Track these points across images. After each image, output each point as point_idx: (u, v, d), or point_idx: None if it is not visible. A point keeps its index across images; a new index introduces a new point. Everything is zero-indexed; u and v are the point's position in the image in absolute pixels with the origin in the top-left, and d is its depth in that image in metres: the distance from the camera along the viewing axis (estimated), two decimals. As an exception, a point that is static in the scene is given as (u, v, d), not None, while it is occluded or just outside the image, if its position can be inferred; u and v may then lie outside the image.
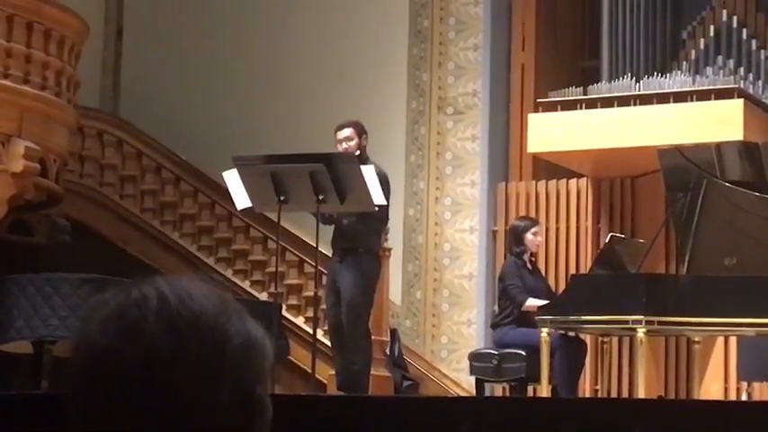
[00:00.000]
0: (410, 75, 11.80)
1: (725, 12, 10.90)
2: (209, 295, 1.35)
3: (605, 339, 8.90)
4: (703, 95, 10.13)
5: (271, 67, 12.16)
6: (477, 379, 8.89)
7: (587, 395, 10.22)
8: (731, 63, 10.66)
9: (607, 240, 8.71)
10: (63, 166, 10.10)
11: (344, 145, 7.96)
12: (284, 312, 10.05)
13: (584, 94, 10.64)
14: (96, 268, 8.34)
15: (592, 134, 10.37)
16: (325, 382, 9.31)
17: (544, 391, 7.96)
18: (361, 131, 8.01)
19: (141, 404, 1.29)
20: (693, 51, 10.90)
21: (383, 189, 7.59)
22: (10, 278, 8.22)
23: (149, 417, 1.29)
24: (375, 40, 11.88)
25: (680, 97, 10.21)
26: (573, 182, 11.34)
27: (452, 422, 4.88)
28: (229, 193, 7.97)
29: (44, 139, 9.40)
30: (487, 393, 9.39)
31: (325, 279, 8.52)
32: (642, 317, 7.35)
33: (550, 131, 10.53)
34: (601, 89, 10.65)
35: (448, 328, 11.43)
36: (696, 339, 8.72)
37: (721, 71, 10.54)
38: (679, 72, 10.59)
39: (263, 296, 10.89)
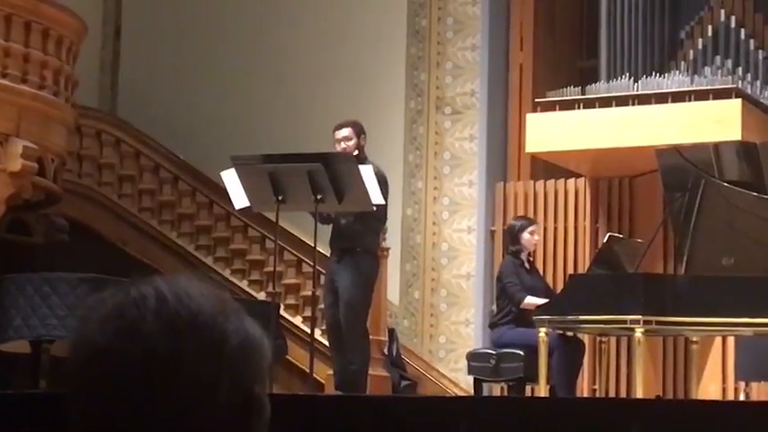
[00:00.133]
0: (408, 74, 11.80)
1: (723, 12, 10.91)
2: (207, 295, 1.36)
3: (603, 339, 8.90)
4: (701, 95, 10.14)
5: (269, 67, 12.15)
6: (475, 379, 8.89)
7: (585, 395, 10.23)
8: (729, 63, 10.67)
9: (605, 240, 8.71)
10: (61, 165, 10.09)
11: (343, 145, 7.96)
12: (282, 312, 10.05)
13: (583, 93, 10.64)
14: (94, 268, 8.34)
15: (590, 134, 10.37)
16: (323, 381, 9.31)
17: (542, 390, 7.96)
18: (359, 131, 8.01)
19: (140, 403, 1.29)
20: (691, 51, 10.90)
21: (381, 189, 7.59)
22: (8, 277, 8.22)
23: (148, 416, 1.29)
24: (373, 39, 11.88)
25: (678, 97, 10.22)
26: (571, 182, 11.34)
27: (450, 422, 4.88)
28: (227, 193, 7.97)
29: (42, 138, 9.40)
30: (485, 393, 9.39)
31: (323, 279, 8.53)
32: (640, 317, 7.35)
33: (548, 131, 10.53)
34: (599, 89, 10.65)
35: (446, 327, 11.43)
36: (694, 339, 8.73)
37: (719, 71, 10.55)
38: (677, 72, 10.60)
39: (261, 296, 10.89)
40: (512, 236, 8.98)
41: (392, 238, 10.33)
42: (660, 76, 10.51)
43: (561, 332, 8.26)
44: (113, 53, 12.88)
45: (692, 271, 7.69)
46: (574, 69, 11.95)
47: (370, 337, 8.32)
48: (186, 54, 12.49)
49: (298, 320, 10.73)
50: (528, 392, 8.94)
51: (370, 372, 8.32)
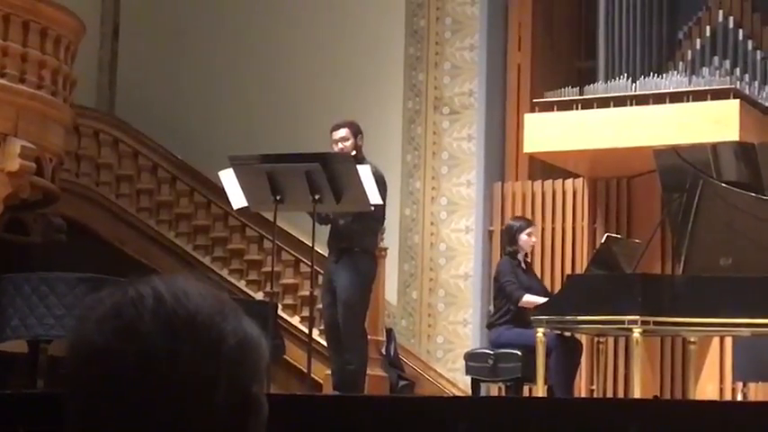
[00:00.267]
0: (406, 74, 11.80)
1: (721, 12, 10.91)
2: (205, 294, 1.35)
3: (601, 339, 8.90)
4: (699, 96, 10.14)
5: (267, 67, 12.15)
6: (472, 379, 8.89)
7: (583, 395, 10.23)
8: (727, 63, 10.67)
9: (603, 240, 8.71)
10: (59, 165, 10.09)
11: (340, 145, 7.96)
12: (280, 312, 10.05)
13: (581, 94, 10.64)
14: (92, 267, 8.34)
15: (588, 134, 10.37)
16: (321, 381, 9.31)
17: (540, 391, 7.96)
18: (356, 131, 8.01)
19: (137, 403, 1.29)
20: (690, 52, 10.91)
21: (379, 189, 7.59)
22: (6, 277, 8.22)
23: (145, 416, 1.29)
24: (371, 39, 11.88)
25: (676, 98, 10.22)
26: (569, 182, 11.34)
27: (448, 422, 4.88)
28: (225, 193, 7.97)
29: (40, 138, 9.39)
30: (483, 393, 9.39)
31: (321, 279, 8.53)
32: (638, 317, 7.35)
33: (547, 131, 10.53)
34: (597, 89, 10.65)
35: (444, 327, 11.43)
36: (692, 339, 8.73)
37: (717, 72, 10.55)
38: (675, 72, 10.60)
39: (259, 296, 10.89)
40: (509, 236, 8.98)
41: (390, 238, 10.33)
42: (658, 76, 10.51)
43: (559, 332, 8.26)
44: (111, 53, 12.87)
45: (690, 271, 7.69)
46: (572, 70, 11.95)
47: (368, 337, 8.32)
48: (184, 54, 12.48)
49: (296, 320, 10.73)
50: (526, 393, 8.94)
51: (368, 372, 8.33)
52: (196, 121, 12.25)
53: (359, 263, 7.86)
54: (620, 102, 10.41)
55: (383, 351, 10.04)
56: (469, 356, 9.00)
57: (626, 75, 10.65)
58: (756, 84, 10.57)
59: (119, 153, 11.78)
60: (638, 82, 10.53)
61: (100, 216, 11.57)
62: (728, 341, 9.80)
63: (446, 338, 11.39)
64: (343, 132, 8.00)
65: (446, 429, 4.85)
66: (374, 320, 9.28)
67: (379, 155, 9.18)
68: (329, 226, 8.03)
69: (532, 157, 11.20)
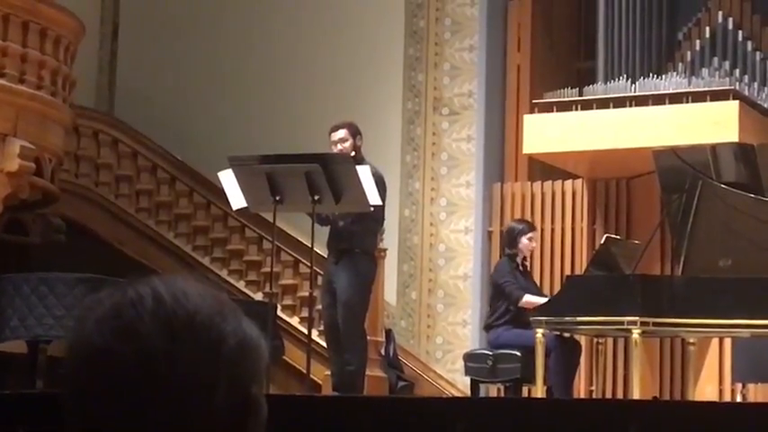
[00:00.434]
0: (406, 75, 11.80)
1: (720, 13, 10.91)
2: (204, 295, 1.35)
3: (600, 340, 8.90)
4: (699, 97, 10.14)
5: (266, 68, 12.15)
6: (472, 380, 8.89)
7: (582, 396, 10.23)
8: (727, 65, 10.67)
9: (602, 241, 8.71)
10: (58, 165, 10.09)
11: (339, 146, 7.96)
12: (279, 313, 10.05)
13: (580, 95, 10.64)
14: (91, 268, 8.33)
15: (587, 135, 10.37)
16: (320, 382, 9.31)
17: (539, 391, 7.96)
18: (355, 132, 8.01)
19: (136, 404, 1.29)
20: (689, 53, 10.90)
21: (379, 189, 7.59)
22: (5, 277, 8.22)
23: (145, 416, 1.29)
24: (371, 40, 11.88)
25: (675, 99, 10.22)
26: (568, 183, 11.34)
27: (447, 423, 4.88)
28: (225, 193, 7.97)
29: (39, 138, 9.39)
30: (482, 394, 9.39)
31: (320, 279, 8.52)
32: (637, 318, 7.35)
33: (546, 132, 10.53)
34: (596, 90, 10.65)
35: (443, 328, 11.43)
36: (691, 340, 8.73)
37: (717, 73, 10.55)
38: (674, 73, 10.60)
39: (258, 296, 10.89)
40: (510, 238, 8.97)
41: (389, 238, 10.33)
42: (658, 77, 10.51)
43: (558, 333, 8.26)
44: (111, 53, 12.87)
45: (690, 272, 7.69)
46: (571, 71, 11.95)
47: (368, 337, 8.32)
48: (184, 54, 12.48)
49: (295, 321, 10.73)
50: (525, 393, 8.93)
51: (368, 372, 8.33)
52: (195, 121, 12.25)
53: (359, 264, 7.86)
54: (620, 103, 10.41)
55: (382, 352, 10.04)
56: (469, 357, 9.00)
57: (625, 76, 10.65)
58: (756, 85, 10.57)
59: (118, 153, 11.78)
60: (637, 83, 10.53)
61: (99, 216, 11.56)
62: (728, 342, 9.80)
63: (445, 339, 11.39)
64: (341, 133, 8.00)
65: (445, 430, 4.85)
66: (373, 321, 9.28)
67: (379, 155, 9.18)
68: (329, 227, 8.03)
69: (532, 158, 11.20)
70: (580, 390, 10.23)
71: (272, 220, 7.90)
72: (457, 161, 11.59)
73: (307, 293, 8.58)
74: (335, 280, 7.88)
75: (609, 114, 10.37)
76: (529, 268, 9.32)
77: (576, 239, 11.22)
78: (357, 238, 7.88)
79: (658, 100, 10.28)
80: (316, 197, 7.44)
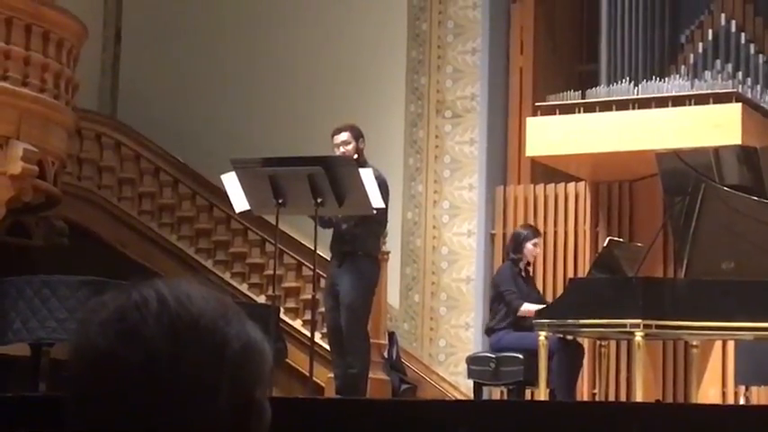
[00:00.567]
0: (408, 78, 11.80)
1: (723, 16, 10.91)
2: (208, 298, 1.35)
3: (603, 343, 8.89)
4: (701, 99, 10.14)
5: (269, 70, 12.16)
6: (474, 382, 8.88)
7: (585, 399, 10.22)
8: (729, 67, 10.67)
9: (605, 244, 8.71)
10: (61, 168, 10.10)
11: (342, 149, 7.95)
12: (282, 315, 10.05)
13: (583, 97, 10.64)
14: (94, 271, 8.34)
15: (590, 138, 10.37)
16: (323, 385, 9.31)
17: (542, 394, 7.95)
18: (357, 135, 8.01)
19: (140, 407, 1.29)
20: (692, 55, 10.90)
21: (381, 192, 7.58)
22: (7, 280, 8.22)
23: (148, 419, 1.29)
24: (374, 43, 11.89)
25: (678, 101, 10.22)
26: (571, 185, 11.34)
27: (450, 425, 4.88)
28: (227, 196, 7.97)
29: (42, 141, 9.40)
30: (485, 397, 9.39)
31: (323, 282, 8.52)
32: (640, 321, 7.34)
33: (549, 135, 10.53)
34: (599, 93, 10.65)
35: (446, 331, 11.43)
36: (694, 343, 8.72)
37: (719, 75, 10.55)
38: (677, 76, 10.60)
39: (261, 299, 10.89)
40: (516, 244, 8.97)
41: (392, 241, 10.32)
42: (660, 80, 10.51)
43: (561, 336, 8.26)
44: (114, 56, 12.88)
45: (692, 275, 7.68)
46: (574, 73, 11.95)
47: (371, 340, 8.32)
48: (186, 57, 12.49)
49: (298, 324, 10.73)
50: (528, 396, 8.94)
51: (370, 375, 8.32)
52: (198, 124, 12.26)
53: (362, 267, 7.86)
54: (623, 105, 10.40)
55: (385, 354, 10.04)
56: (471, 360, 9.00)
57: (628, 78, 10.64)
58: (759, 87, 10.56)
59: (121, 156, 11.79)
60: (640, 86, 10.53)
61: (102, 219, 11.57)
62: (730, 345, 9.80)
63: (448, 342, 11.39)
64: (344, 136, 7.99)
65: (448, 433, 4.85)
66: (376, 324, 9.28)
67: (382, 158, 9.17)
68: (332, 230, 8.03)
69: (534, 161, 11.19)
70: (583, 392, 10.22)
71: (274, 223, 7.90)
72: (460, 164, 11.59)
73: (309, 296, 8.57)
74: (338, 283, 7.88)
75: (611, 117, 10.37)
76: (531, 273, 9.32)
77: (579, 242, 11.21)
78: (360, 240, 7.88)
79: (661, 103, 10.27)
80: (318, 200, 7.44)
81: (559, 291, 9.88)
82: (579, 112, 10.54)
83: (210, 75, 12.37)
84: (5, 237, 10.17)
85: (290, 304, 10.92)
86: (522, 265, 8.91)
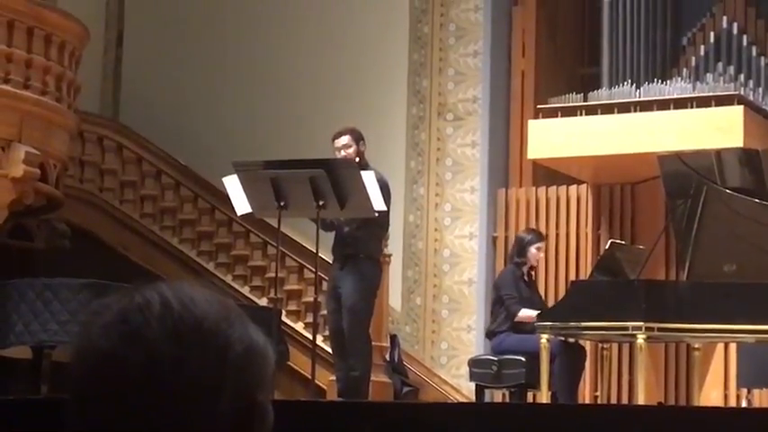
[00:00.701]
0: (410, 81, 11.81)
1: (725, 18, 10.91)
2: (211, 301, 1.35)
3: (605, 345, 8.89)
4: (703, 102, 10.14)
5: (271, 73, 12.16)
6: (476, 385, 8.88)
7: (587, 401, 10.22)
8: (731, 70, 10.67)
9: (607, 247, 8.71)
10: (63, 170, 10.10)
11: (343, 152, 7.96)
12: (284, 318, 10.05)
13: (585, 100, 10.65)
14: (96, 273, 8.34)
15: (592, 140, 10.37)
16: (325, 387, 9.31)
17: (544, 397, 7.95)
18: (358, 138, 8.01)
19: (142, 409, 1.29)
20: (693, 58, 10.90)
21: (383, 195, 7.58)
22: (9, 283, 8.22)
23: (150, 421, 1.29)
24: (375, 45, 11.89)
25: (680, 104, 10.22)
26: (573, 188, 11.34)
27: (452, 428, 4.88)
28: (229, 199, 7.97)
29: (44, 143, 9.40)
30: (487, 399, 9.38)
31: (325, 285, 8.52)
32: (642, 323, 7.34)
33: (550, 138, 10.53)
34: (601, 96, 10.65)
35: (447, 334, 11.43)
36: (696, 346, 8.71)
37: (721, 78, 10.55)
38: (679, 79, 10.60)
39: (263, 302, 10.89)
40: (519, 247, 8.96)
41: (394, 244, 10.32)
42: (662, 82, 10.51)
43: (563, 338, 8.25)
44: (116, 59, 12.88)
45: (694, 277, 7.68)
46: (576, 76, 11.95)
47: (373, 343, 8.32)
48: (188, 60, 12.49)
49: (299, 326, 10.73)
50: (529, 399, 8.93)
51: (372, 378, 8.32)
52: (200, 126, 12.26)
53: (364, 269, 7.86)
54: (624, 108, 10.40)
55: (387, 357, 10.03)
56: (473, 362, 8.99)
57: (630, 81, 10.65)
58: (761, 90, 10.57)
59: (123, 159, 11.79)
60: (641, 88, 10.53)
61: (104, 222, 11.57)
62: (733, 347, 9.79)
63: (450, 344, 11.38)
64: (345, 140, 7.99)
65: (450, 436, 4.85)
66: (378, 326, 9.28)
67: (383, 161, 9.17)
68: (334, 232, 8.03)
69: (536, 164, 11.20)
70: (585, 395, 10.22)
71: (276, 226, 7.90)
72: (461, 166, 11.59)
73: (311, 299, 8.59)
74: (340, 285, 7.88)
75: (613, 120, 10.37)
76: (534, 278, 9.32)
77: (581, 245, 11.21)
78: (362, 243, 7.88)
79: (663, 105, 10.27)
80: (320, 202, 7.44)
81: (561, 293, 9.88)
82: (581, 114, 10.54)
83: (212, 77, 12.38)
84: (7, 239, 10.17)
85: (292, 307, 10.92)
86: (525, 269, 8.90)
